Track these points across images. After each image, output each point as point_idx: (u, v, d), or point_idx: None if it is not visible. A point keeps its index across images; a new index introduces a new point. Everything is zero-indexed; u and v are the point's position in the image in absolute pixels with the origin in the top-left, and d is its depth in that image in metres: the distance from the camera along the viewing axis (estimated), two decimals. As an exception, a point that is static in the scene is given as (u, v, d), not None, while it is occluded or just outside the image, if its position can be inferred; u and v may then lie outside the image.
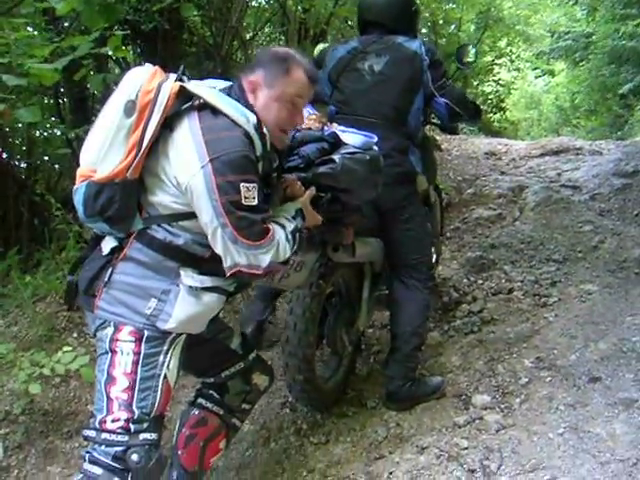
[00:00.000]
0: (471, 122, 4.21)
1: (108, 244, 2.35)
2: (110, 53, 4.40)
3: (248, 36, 7.99)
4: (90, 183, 2.22)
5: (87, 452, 2.28)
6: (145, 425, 2.28)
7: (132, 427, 2.25)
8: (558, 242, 5.68)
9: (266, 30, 8.66)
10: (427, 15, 11.15)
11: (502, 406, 3.39)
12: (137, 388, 2.26)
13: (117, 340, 2.26)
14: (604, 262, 5.19)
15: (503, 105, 15.87)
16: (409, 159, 3.42)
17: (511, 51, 16.08)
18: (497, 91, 15.83)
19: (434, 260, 4.29)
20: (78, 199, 2.27)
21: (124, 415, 2.24)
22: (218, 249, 2.22)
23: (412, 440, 3.20)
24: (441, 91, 3.35)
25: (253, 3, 8.03)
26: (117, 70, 6.85)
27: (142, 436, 2.27)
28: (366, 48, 3.42)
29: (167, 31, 6.01)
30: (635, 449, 2.82)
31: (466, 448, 3.05)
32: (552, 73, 21.04)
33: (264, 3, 8.24)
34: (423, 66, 3.33)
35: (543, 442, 3.01)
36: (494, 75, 15.83)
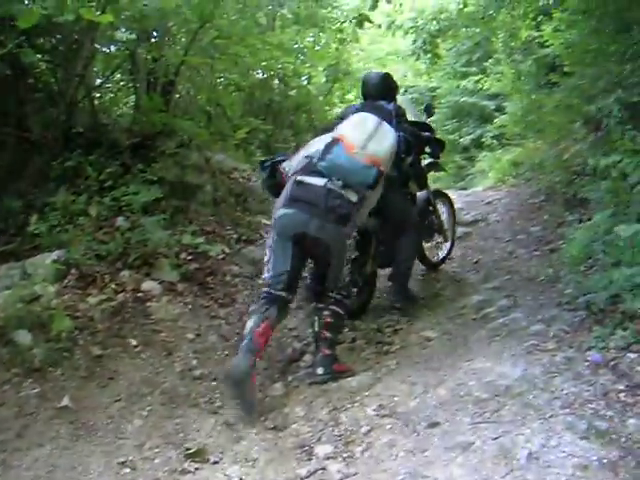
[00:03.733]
0: (433, 150, 5.95)
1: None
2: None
3: (97, 82, 7.82)
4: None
5: (334, 301, 4.40)
6: None
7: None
8: (402, 290, 5.82)
9: (116, 77, 8.50)
10: (278, 67, 11.35)
11: (345, 455, 3.40)
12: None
13: None
14: (444, 309, 5.37)
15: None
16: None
17: (360, 103, 16.47)
18: (347, 141, 16.07)
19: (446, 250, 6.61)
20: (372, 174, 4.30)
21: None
22: None
23: (255, 494, 3.17)
24: (399, 129, 4.98)
25: (104, 49, 7.86)
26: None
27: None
28: (363, 108, 5.13)
29: (9, 76, 5.81)
30: (471, 492, 2.90)
31: (309, 499, 3.05)
32: (399, 125, 21.75)
33: (113, 49, 8.09)
34: (392, 118, 5.07)
35: (383, 489, 3.04)
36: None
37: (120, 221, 5.62)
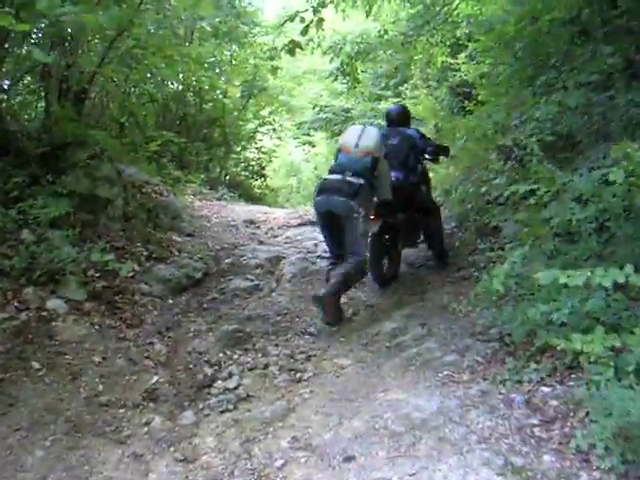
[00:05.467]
0: (444, 155, 7.49)
1: None
2: None
3: (5, 84, 7.51)
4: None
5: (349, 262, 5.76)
6: None
7: None
8: (314, 314, 5.78)
9: (26, 80, 8.18)
10: (194, 82, 11.25)
11: (258, 491, 3.31)
12: None
13: None
14: (357, 335, 5.32)
15: (264, 172, 16.08)
16: (409, 177, 6.73)
17: (274, 120, 16.43)
18: (259, 158, 16.01)
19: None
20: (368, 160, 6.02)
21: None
22: None
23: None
24: (427, 145, 6.95)
25: (15, 50, 7.54)
26: None
27: None
28: (390, 133, 6.87)
29: None
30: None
31: (219, 539, 2.93)
32: (312, 143, 21.81)
33: (24, 51, 7.76)
34: (416, 139, 6.88)
35: (297, 529, 2.95)
36: (256, 142, 16.04)
37: (25, 234, 5.38)
